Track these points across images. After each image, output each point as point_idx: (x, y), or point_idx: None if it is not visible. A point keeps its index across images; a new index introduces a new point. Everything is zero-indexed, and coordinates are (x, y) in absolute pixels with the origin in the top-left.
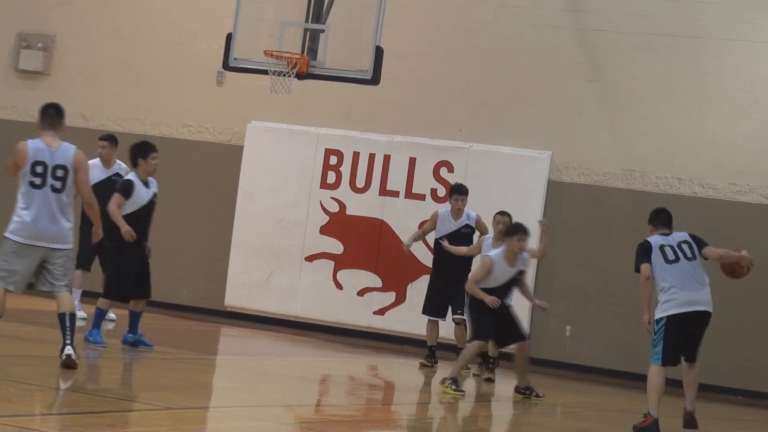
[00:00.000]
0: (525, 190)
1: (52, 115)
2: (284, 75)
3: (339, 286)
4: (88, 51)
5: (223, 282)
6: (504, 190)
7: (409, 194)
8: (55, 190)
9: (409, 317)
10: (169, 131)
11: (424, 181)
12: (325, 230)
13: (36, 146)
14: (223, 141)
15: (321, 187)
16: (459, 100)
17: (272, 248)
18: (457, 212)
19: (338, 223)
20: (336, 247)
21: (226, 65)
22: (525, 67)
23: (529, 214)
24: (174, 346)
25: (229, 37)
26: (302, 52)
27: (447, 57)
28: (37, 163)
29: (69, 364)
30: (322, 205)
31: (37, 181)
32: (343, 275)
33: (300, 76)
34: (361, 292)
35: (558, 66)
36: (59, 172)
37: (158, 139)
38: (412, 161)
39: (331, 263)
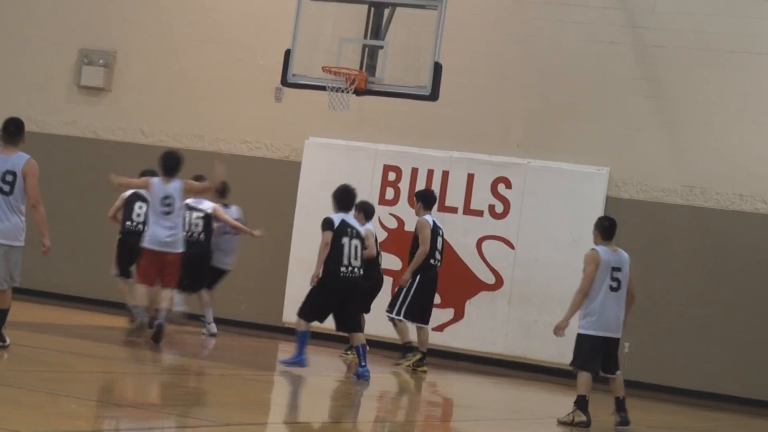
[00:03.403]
0: (583, 206)
1: (11, 132)
2: (343, 91)
3: None
4: (148, 67)
5: (281, 298)
6: (562, 206)
7: (467, 210)
8: (3, 192)
9: (468, 333)
10: (227, 147)
11: (482, 197)
12: (383, 246)
13: None
14: (281, 157)
15: (379, 203)
16: (517, 116)
17: None
18: None
19: (397, 240)
20: (395, 263)
21: (284, 81)
22: (583, 82)
23: (588, 230)
24: (232, 362)
25: (287, 54)
26: (361, 68)
27: (505, 72)
28: None
29: None
30: (380, 222)
31: None
32: None
33: (358, 92)
34: None
35: (616, 82)
36: (8, 177)
37: (217, 155)
38: (470, 177)
39: (390, 279)
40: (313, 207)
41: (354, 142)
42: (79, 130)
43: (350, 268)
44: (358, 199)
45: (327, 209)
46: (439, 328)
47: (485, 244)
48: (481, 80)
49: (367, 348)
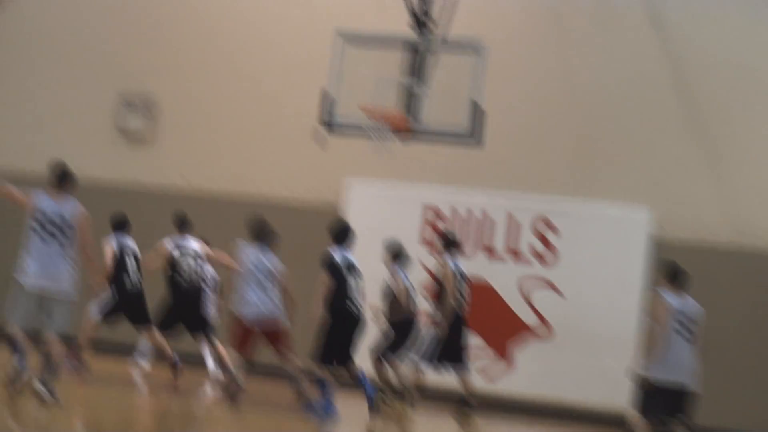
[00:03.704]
0: (626, 247)
1: (62, 177)
2: (384, 134)
3: None
4: (190, 114)
5: None
6: (605, 247)
7: (509, 252)
8: (56, 240)
9: (514, 379)
10: (268, 191)
11: (524, 239)
12: (426, 289)
13: (42, 198)
14: (323, 201)
15: (421, 244)
16: (559, 157)
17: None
18: None
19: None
20: None
21: (326, 126)
22: (626, 123)
23: (631, 271)
24: (284, 409)
25: (329, 98)
26: (401, 110)
27: (547, 113)
28: (41, 213)
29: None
30: (422, 263)
31: (41, 231)
32: None
33: (399, 134)
34: None
35: (659, 122)
36: (62, 225)
37: (257, 198)
38: (512, 218)
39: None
40: (357, 250)
41: (396, 185)
42: (120, 175)
43: (356, 306)
44: (400, 241)
45: (371, 251)
46: (488, 376)
47: (528, 286)
48: (523, 121)
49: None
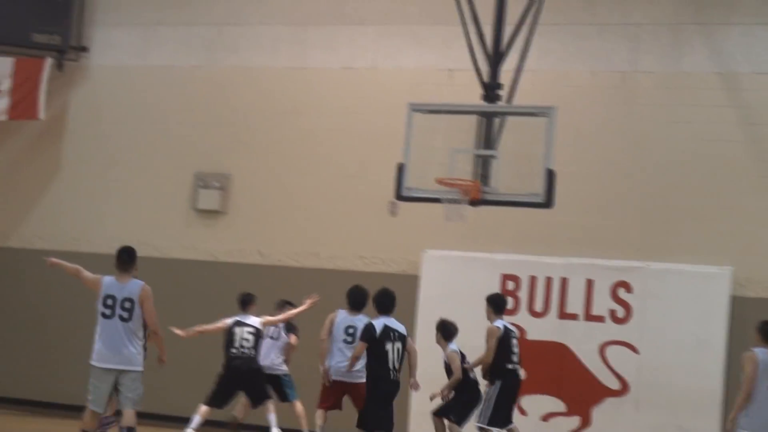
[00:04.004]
0: (707, 307)
1: (124, 260)
2: (457, 202)
3: (523, 412)
4: (263, 187)
5: (404, 412)
6: (685, 308)
7: (588, 316)
8: (122, 319)
9: None
10: (344, 264)
11: (602, 303)
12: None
13: (109, 281)
14: (398, 271)
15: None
16: (634, 219)
17: None
18: None
19: (519, 349)
20: None
21: (398, 195)
22: (700, 181)
23: (713, 331)
24: None
25: (400, 167)
26: (474, 178)
27: (620, 175)
28: (108, 296)
29: None
30: None
31: (107, 312)
32: (527, 401)
33: (473, 202)
34: (545, 418)
35: (735, 179)
36: (126, 304)
37: (334, 272)
38: (590, 283)
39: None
40: (434, 319)
41: (471, 253)
42: (198, 254)
43: (394, 372)
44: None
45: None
46: None
47: (608, 350)
48: (596, 184)
49: None
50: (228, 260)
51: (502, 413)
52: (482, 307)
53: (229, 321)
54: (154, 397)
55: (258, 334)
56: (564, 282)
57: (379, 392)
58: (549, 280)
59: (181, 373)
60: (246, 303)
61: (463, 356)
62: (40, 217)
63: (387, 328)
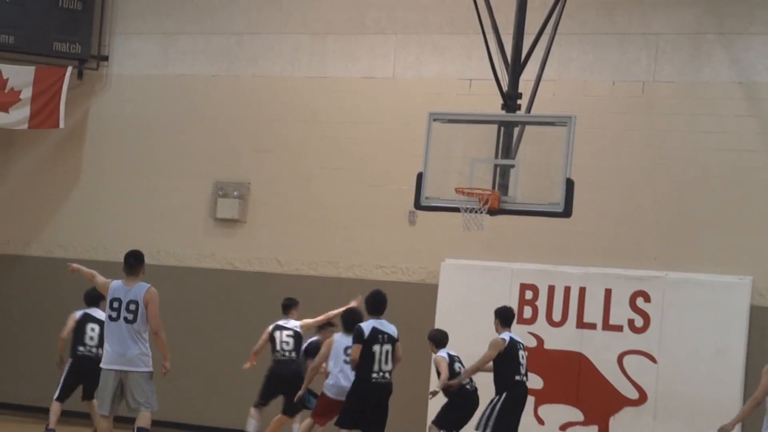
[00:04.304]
0: (726, 317)
1: (131, 264)
2: (476, 212)
3: (540, 422)
4: (282, 196)
5: (422, 421)
6: (704, 317)
7: (606, 326)
8: (127, 321)
9: None
10: (363, 273)
11: (620, 312)
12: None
13: (116, 285)
14: (417, 280)
15: (518, 322)
16: (652, 229)
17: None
18: None
19: (537, 358)
20: (536, 382)
21: (417, 204)
22: (719, 191)
23: (732, 341)
24: None
25: (419, 177)
26: (493, 187)
27: (638, 185)
28: (114, 299)
29: None
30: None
31: (113, 314)
32: (544, 410)
33: (492, 211)
34: (563, 427)
35: (755, 189)
36: (131, 306)
37: (353, 281)
38: (608, 292)
39: (532, 399)
40: (452, 328)
41: (489, 262)
42: (217, 262)
43: (381, 374)
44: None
45: (466, 330)
46: None
47: (626, 359)
48: (614, 194)
49: None
50: (246, 269)
51: (504, 425)
52: None
53: (269, 328)
54: (178, 405)
55: (297, 337)
56: (582, 291)
57: (358, 392)
58: (567, 290)
59: (207, 381)
60: (287, 307)
61: (457, 361)
62: (60, 225)
63: (375, 330)
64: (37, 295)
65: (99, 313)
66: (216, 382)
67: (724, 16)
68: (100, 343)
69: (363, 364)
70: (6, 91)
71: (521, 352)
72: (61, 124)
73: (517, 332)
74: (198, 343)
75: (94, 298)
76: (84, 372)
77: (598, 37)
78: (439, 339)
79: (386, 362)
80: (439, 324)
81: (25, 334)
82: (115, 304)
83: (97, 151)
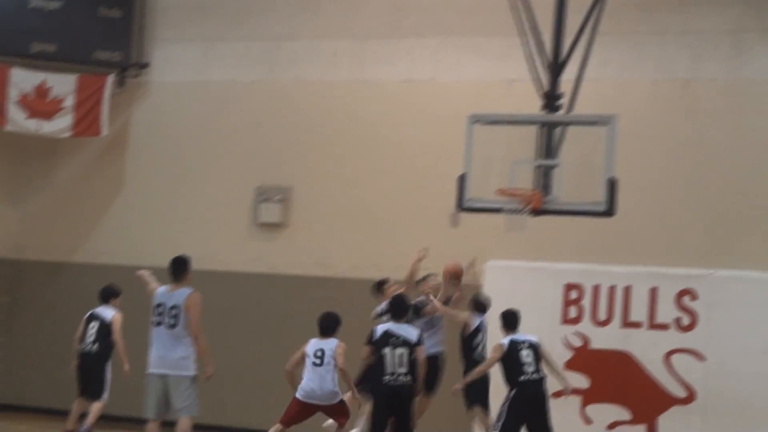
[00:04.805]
0: None
1: (174, 270)
2: (519, 212)
3: (588, 421)
4: (324, 200)
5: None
6: (752, 315)
7: (652, 325)
8: (169, 326)
9: None
10: (406, 275)
11: (666, 311)
12: (569, 365)
13: (160, 291)
14: (463, 284)
15: (563, 322)
16: (698, 226)
17: None
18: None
19: (583, 358)
20: (582, 381)
21: (460, 206)
22: (765, 188)
23: None
24: None
25: (462, 178)
26: (535, 188)
27: (683, 183)
28: (158, 305)
29: None
30: (565, 341)
31: (157, 319)
32: (592, 410)
33: (534, 212)
34: (611, 426)
35: None
36: (173, 311)
37: (397, 283)
38: (654, 291)
39: (578, 398)
40: (497, 329)
41: (533, 263)
42: (260, 267)
43: (394, 376)
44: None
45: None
46: None
47: (673, 358)
48: (659, 193)
49: None
50: (289, 272)
51: (510, 424)
52: (545, 316)
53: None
54: (221, 409)
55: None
56: (627, 290)
57: (376, 397)
58: (612, 289)
59: (251, 386)
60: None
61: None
62: (105, 232)
63: (387, 333)
64: (82, 302)
65: (105, 312)
66: (260, 386)
67: (766, 12)
68: (97, 339)
69: (377, 367)
70: (49, 100)
71: (524, 352)
72: (104, 132)
73: (563, 333)
74: (241, 347)
75: (106, 295)
76: (80, 368)
77: (637, 36)
78: (506, 321)
79: (400, 365)
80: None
81: (70, 341)
82: (159, 309)
83: (139, 158)
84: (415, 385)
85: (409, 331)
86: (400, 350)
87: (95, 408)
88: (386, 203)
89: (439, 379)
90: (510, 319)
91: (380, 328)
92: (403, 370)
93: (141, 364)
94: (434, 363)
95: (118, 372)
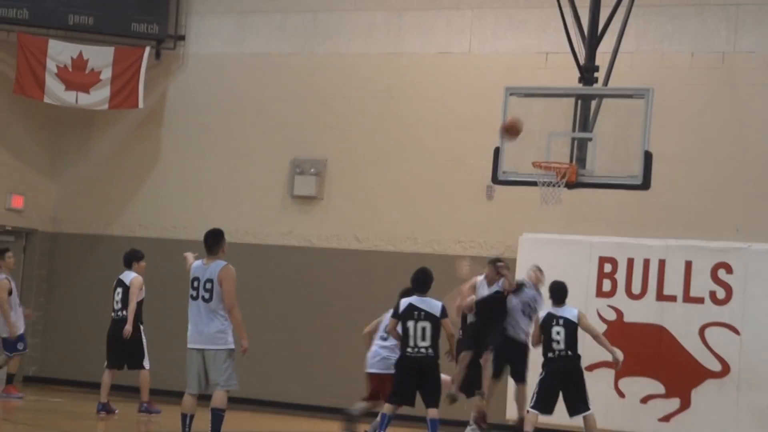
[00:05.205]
0: None
1: (210, 244)
2: (554, 185)
3: (621, 395)
4: (359, 173)
5: (503, 396)
6: None
7: (687, 298)
8: (204, 300)
9: (695, 423)
10: (441, 248)
11: (701, 284)
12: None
13: (196, 265)
14: (496, 255)
15: (597, 295)
16: (734, 200)
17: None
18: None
19: (617, 331)
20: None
21: (495, 179)
22: None
23: None
24: None
25: (497, 151)
26: (570, 161)
27: (718, 156)
28: (194, 279)
29: None
30: (599, 314)
31: (194, 294)
32: (625, 383)
33: (569, 185)
34: (644, 400)
35: None
36: (207, 285)
37: (431, 256)
38: (689, 264)
39: (612, 372)
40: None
41: (568, 236)
42: (295, 240)
43: (416, 349)
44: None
45: (546, 304)
46: (666, 419)
47: (708, 331)
48: (694, 165)
49: (438, 425)
50: (324, 246)
51: (542, 400)
52: (580, 289)
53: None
54: (257, 382)
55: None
56: (662, 264)
57: (398, 368)
58: (647, 262)
59: (286, 358)
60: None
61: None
62: (141, 205)
63: (411, 306)
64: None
65: (127, 276)
66: (294, 358)
67: None
68: (123, 306)
69: (402, 340)
70: (87, 72)
71: (555, 329)
72: (140, 104)
73: (597, 306)
74: (276, 320)
75: (128, 260)
76: (110, 335)
77: (675, 8)
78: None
79: (423, 338)
80: None
81: (109, 312)
82: (195, 284)
83: (175, 130)
84: (436, 357)
85: (432, 305)
86: (422, 323)
87: (143, 380)
88: (421, 176)
89: (527, 366)
90: (554, 292)
91: (404, 302)
92: (426, 343)
93: (183, 340)
94: (523, 350)
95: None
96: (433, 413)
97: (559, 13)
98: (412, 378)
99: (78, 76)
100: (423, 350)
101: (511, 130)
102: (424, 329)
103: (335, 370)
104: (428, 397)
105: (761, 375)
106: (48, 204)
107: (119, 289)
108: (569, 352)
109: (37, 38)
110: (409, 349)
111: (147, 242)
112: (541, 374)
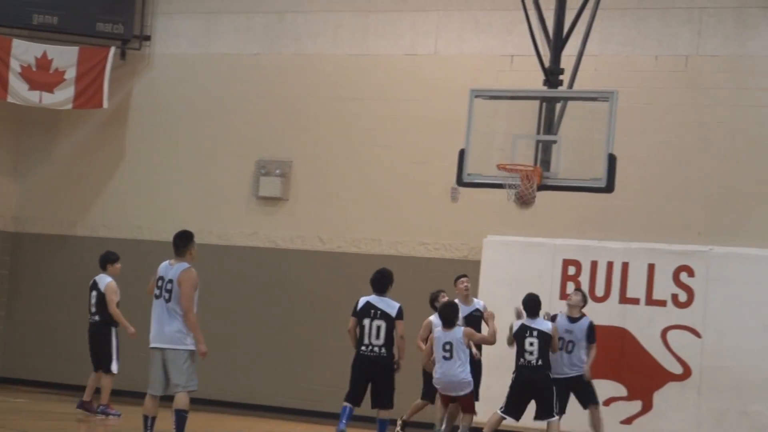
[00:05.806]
0: None
1: (177, 245)
2: (524, 189)
3: None
4: (324, 174)
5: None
6: (750, 292)
7: (650, 301)
8: (165, 300)
9: (656, 425)
10: (406, 250)
11: (664, 287)
12: None
13: (163, 264)
14: (459, 257)
15: (560, 298)
16: (697, 203)
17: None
18: (464, 297)
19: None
20: None
21: (460, 181)
22: (764, 165)
23: None
24: None
25: (462, 153)
26: (535, 163)
27: (682, 160)
28: (159, 278)
29: None
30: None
31: (157, 292)
32: None
33: (536, 188)
34: (607, 402)
35: None
36: (168, 285)
37: (395, 258)
38: (651, 267)
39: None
40: (495, 304)
41: (532, 238)
42: (259, 241)
43: (370, 347)
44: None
45: (510, 306)
46: (628, 421)
47: (670, 334)
48: (658, 169)
49: (387, 426)
50: (289, 247)
51: (511, 405)
52: (544, 291)
53: None
54: (221, 382)
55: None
56: (625, 267)
57: (352, 366)
58: (610, 265)
59: (251, 359)
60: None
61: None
62: (105, 205)
63: (368, 305)
64: (82, 276)
65: (102, 280)
66: (260, 359)
67: None
68: (97, 310)
69: (359, 338)
70: (51, 72)
71: (529, 340)
72: (105, 104)
73: (561, 309)
74: (241, 320)
75: (103, 262)
76: (89, 339)
77: (640, 11)
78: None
79: (377, 337)
80: (483, 300)
81: (72, 313)
82: (159, 283)
83: (140, 130)
84: (389, 357)
85: (390, 305)
86: (377, 322)
87: (105, 384)
88: (386, 178)
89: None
90: (528, 305)
91: (363, 300)
92: (379, 342)
93: (147, 340)
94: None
95: (131, 343)
96: (383, 414)
97: (524, 16)
98: (363, 376)
99: (42, 76)
100: (376, 349)
101: (526, 200)
102: (378, 328)
103: (300, 371)
104: (379, 396)
105: (722, 378)
106: (10, 204)
107: (94, 292)
108: (539, 362)
109: (1, 38)
110: (363, 348)
111: (112, 243)
112: (512, 379)
